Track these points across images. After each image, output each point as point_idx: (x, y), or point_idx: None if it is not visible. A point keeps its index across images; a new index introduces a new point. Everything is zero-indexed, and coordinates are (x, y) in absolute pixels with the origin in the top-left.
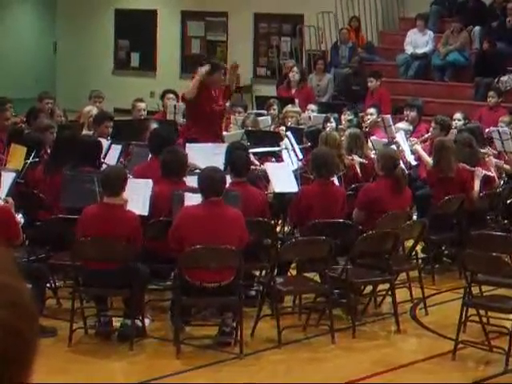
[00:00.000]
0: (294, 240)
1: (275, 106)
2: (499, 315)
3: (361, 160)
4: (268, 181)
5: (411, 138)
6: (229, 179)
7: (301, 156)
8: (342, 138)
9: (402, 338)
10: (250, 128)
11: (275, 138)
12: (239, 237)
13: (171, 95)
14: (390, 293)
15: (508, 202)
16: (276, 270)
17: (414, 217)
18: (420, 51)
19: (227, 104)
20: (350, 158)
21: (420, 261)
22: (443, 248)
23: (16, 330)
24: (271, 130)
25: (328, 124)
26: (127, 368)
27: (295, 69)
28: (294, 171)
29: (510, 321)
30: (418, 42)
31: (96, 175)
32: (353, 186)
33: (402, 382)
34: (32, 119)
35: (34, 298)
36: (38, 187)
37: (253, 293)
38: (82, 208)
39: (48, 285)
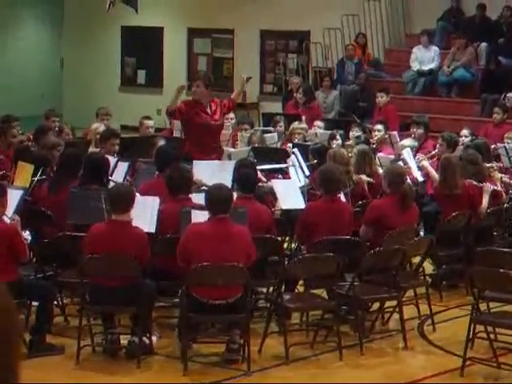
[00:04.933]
0: (301, 257)
1: (281, 123)
2: (507, 332)
3: (368, 179)
4: (275, 197)
5: (419, 155)
6: (235, 195)
7: (308, 173)
8: (350, 155)
9: (410, 354)
10: (256, 145)
11: (282, 155)
12: (246, 254)
13: None
14: (397, 309)
15: None
16: (283, 287)
17: (421, 233)
18: (426, 67)
19: (231, 119)
20: (358, 176)
21: (427, 277)
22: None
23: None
24: (278, 146)
25: (334, 141)
26: None
27: (300, 90)
28: (301, 188)
29: None
30: (424, 57)
31: (103, 192)
32: (360, 202)
33: None
34: (40, 137)
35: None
36: (44, 204)
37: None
38: (89, 225)
39: (55, 302)
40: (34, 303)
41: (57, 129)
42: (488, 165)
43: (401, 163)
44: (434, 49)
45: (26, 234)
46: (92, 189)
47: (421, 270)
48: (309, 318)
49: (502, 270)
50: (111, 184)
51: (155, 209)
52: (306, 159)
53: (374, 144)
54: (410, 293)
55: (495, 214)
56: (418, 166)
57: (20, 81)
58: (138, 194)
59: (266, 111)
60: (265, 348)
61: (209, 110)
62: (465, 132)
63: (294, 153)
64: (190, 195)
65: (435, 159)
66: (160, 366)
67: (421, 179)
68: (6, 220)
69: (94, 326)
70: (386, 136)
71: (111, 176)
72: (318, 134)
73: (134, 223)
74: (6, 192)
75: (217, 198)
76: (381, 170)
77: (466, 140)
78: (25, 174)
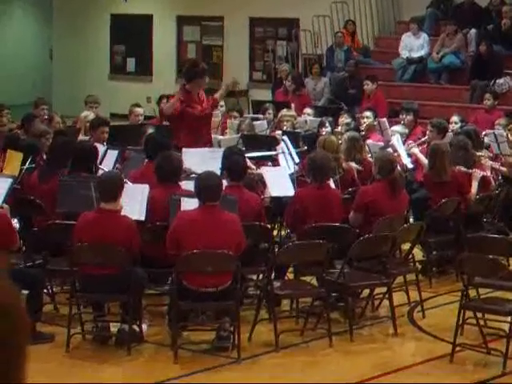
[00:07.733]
0: (290, 244)
1: (270, 110)
2: (496, 318)
3: (358, 167)
4: (265, 185)
5: (408, 142)
6: (225, 183)
7: (297, 160)
8: (340, 142)
9: (400, 341)
10: (245, 132)
11: (271, 142)
12: (236, 242)
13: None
14: (387, 296)
15: (505, 204)
16: (273, 274)
17: (411, 220)
18: (415, 55)
19: (221, 106)
20: (347, 164)
21: (417, 264)
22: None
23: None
24: (267, 134)
25: (323, 128)
26: (125, 373)
27: (289, 77)
28: (291, 175)
29: (507, 323)
30: (413, 45)
31: (92, 181)
32: (349, 189)
33: None
34: (27, 125)
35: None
36: (34, 193)
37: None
38: (78, 213)
39: (45, 290)
40: (24, 291)
41: (46, 117)
42: (478, 153)
43: (390, 150)
44: (424, 36)
45: (15, 222)
46: (81, 177)
47: (411, 256)
48: (299, 305)
49: (491, 256)
50: (100, 172)
51: (145, 197)
52: (295, 146)
53: (362, 131)
54: (399, 279)
55: (484, 200)
56: (408, 153)
57: (10, 70)
58: (128, 182)
59: (256, 99)
60: (255, 335)
61: (197, 99)
62: (455, 119)
63: (283, 140)
64: (180, 183)
65: (425, 146)
66: (150, 354)
67: (410, 166)
68: None
69: (84, 314)
70: (375, 123)
71: (101, 164)
72: (308, 121)
73: (124, 211)
74: None
75: (207, 186)
76: (370, 157)
77: (456, 127)
78: (14, 162)
